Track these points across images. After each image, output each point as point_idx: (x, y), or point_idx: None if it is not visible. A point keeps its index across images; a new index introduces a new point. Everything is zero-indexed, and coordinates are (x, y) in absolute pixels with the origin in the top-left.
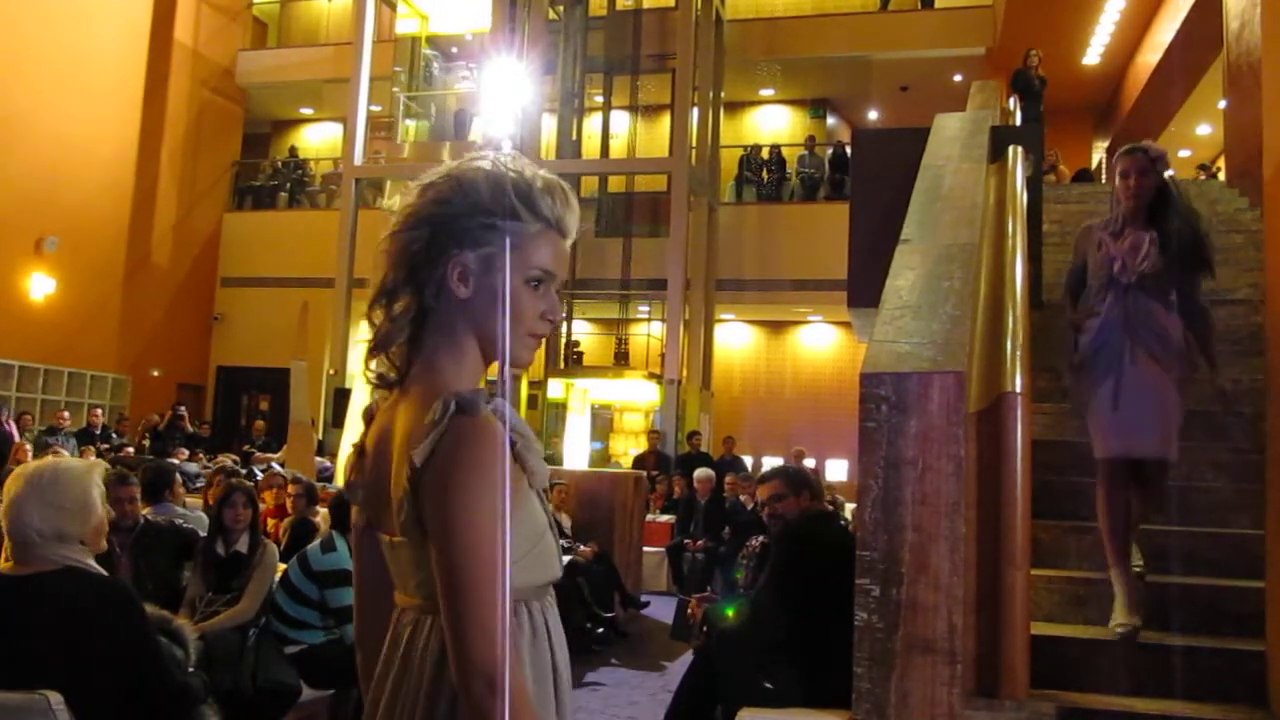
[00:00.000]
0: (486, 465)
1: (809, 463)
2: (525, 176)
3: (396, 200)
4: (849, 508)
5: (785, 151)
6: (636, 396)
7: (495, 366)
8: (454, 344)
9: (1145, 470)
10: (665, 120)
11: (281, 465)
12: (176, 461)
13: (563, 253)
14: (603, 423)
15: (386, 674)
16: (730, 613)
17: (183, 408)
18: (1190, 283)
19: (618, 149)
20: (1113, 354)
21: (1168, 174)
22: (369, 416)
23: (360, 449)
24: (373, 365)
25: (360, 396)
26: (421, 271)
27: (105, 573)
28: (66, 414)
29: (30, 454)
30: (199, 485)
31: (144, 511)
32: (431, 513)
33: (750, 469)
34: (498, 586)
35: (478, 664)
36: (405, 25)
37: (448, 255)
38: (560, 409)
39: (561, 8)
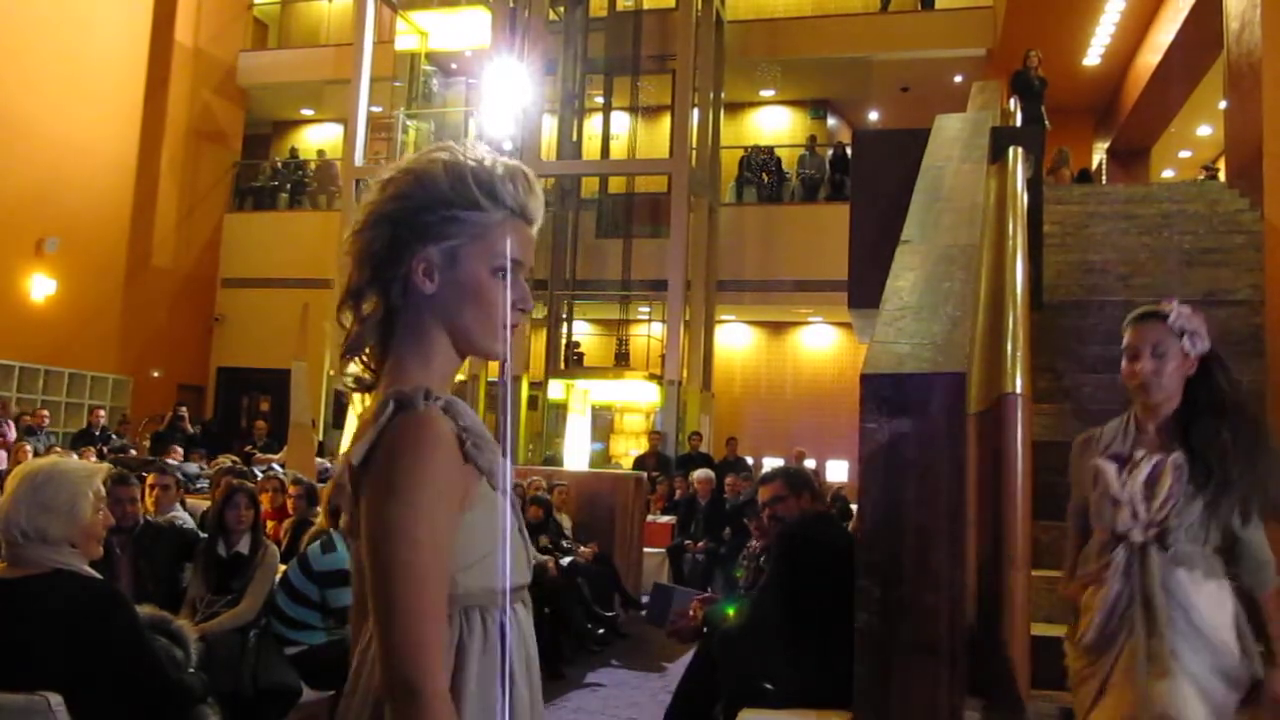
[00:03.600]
0: (419, 464)
1: (809, 464)
2: (485, 165)
3: (360, 198)
4: (855, 508)
5: (785, 152)
6: (637, 397)
7: (495, 365)
8: (421, 342)
9: None
10: (665, 121)
11: (282, 466)
12: (174, 462)
13: (529, 239)
14: (603, 424)
15: (355, 679)
16: (730, 613)
17: (183, 408)
18: (1247, 535)
19: (618, 150)
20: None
21: (1201, 349)
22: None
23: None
24: (349, 369)
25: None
26: (386, 270)
27: (97, 575)
28: (46, 413)
29: (30, 454)
30: (199, 486)
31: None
32: (364, 514)
33: (751, 470)
34: (425, 592)
35: (397, 670)
36: (404, 42)
37: (411, 251)
38: (561, 410)
39: (562, 9)
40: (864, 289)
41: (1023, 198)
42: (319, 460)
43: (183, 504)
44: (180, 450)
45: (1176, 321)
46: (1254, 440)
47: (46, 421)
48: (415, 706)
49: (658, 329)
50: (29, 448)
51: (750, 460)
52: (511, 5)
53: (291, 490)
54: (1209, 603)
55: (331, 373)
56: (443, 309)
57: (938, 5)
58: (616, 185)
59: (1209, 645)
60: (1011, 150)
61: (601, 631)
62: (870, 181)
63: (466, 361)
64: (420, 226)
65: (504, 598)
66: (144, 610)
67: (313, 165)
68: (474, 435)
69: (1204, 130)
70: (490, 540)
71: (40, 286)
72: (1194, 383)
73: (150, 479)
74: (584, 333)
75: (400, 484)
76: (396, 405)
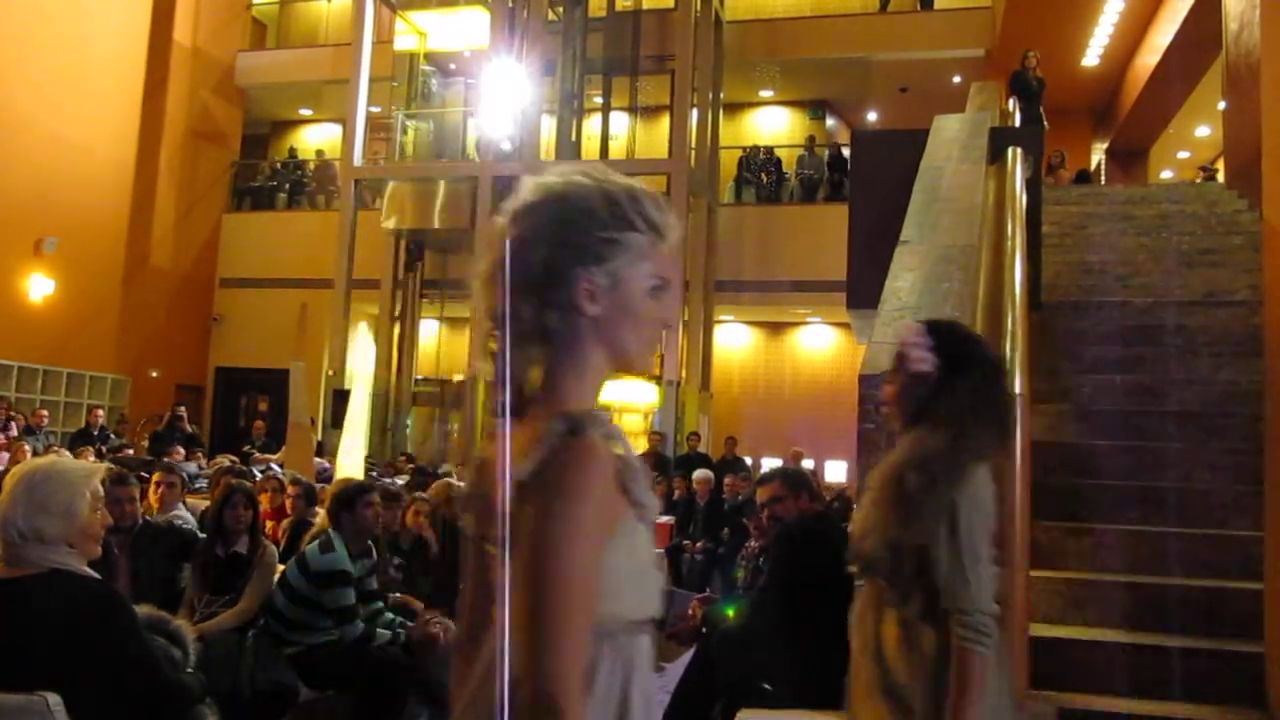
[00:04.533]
0: (586, 489)
1: (807, 464)
2: (628, 188)
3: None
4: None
5: (784, 152)
6: (635, 398)
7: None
8: (579, 362)
9: None
10: (664, 121)
11: (281, 466)
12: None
13: (671, 258)
14: None
15: (480, 683)
16: (730, 613)
17: (182, 408)
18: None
19: (617, 150)
20: None
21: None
22: (493, 432)
23: (481, 463)
24: (498, 394)
25: (359, 398)
26: (545, 293)
27: (95, 575)
28: (45, 413)
29: (29, 454)
30: (199, 486)
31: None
32: (524, 530)
33: (750, 470)
34: (578, 614)
35: (542, 687)
36: (403, 42)
37: (572, 274)
38: None
39: (561, 9)
40: (863, 289)
41: (1021, 198)
42: (317, 460)
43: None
44: (181, 450)
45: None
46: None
47: (45, 421)
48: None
49: None
50: (28, 447)
51: (749, 460)
52: (510, 5)
53: (290, 490)
54: None
55: (330, 372)
56: (604, 329)
57: (937, 6)
58: None
59: None
60: (1010, 151)
61: None
62: (869, 182)
63: (465, 362)
64: (580, 249)
65: (642, 629)
66: (142, 610)
67: (311, 165)
68: (629, 465)
69: (1203, 131)
70: (628, 570)
71: (39, 286)
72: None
73: (156, 476)
74: None
75: (565, 507)
76: (568, 428)
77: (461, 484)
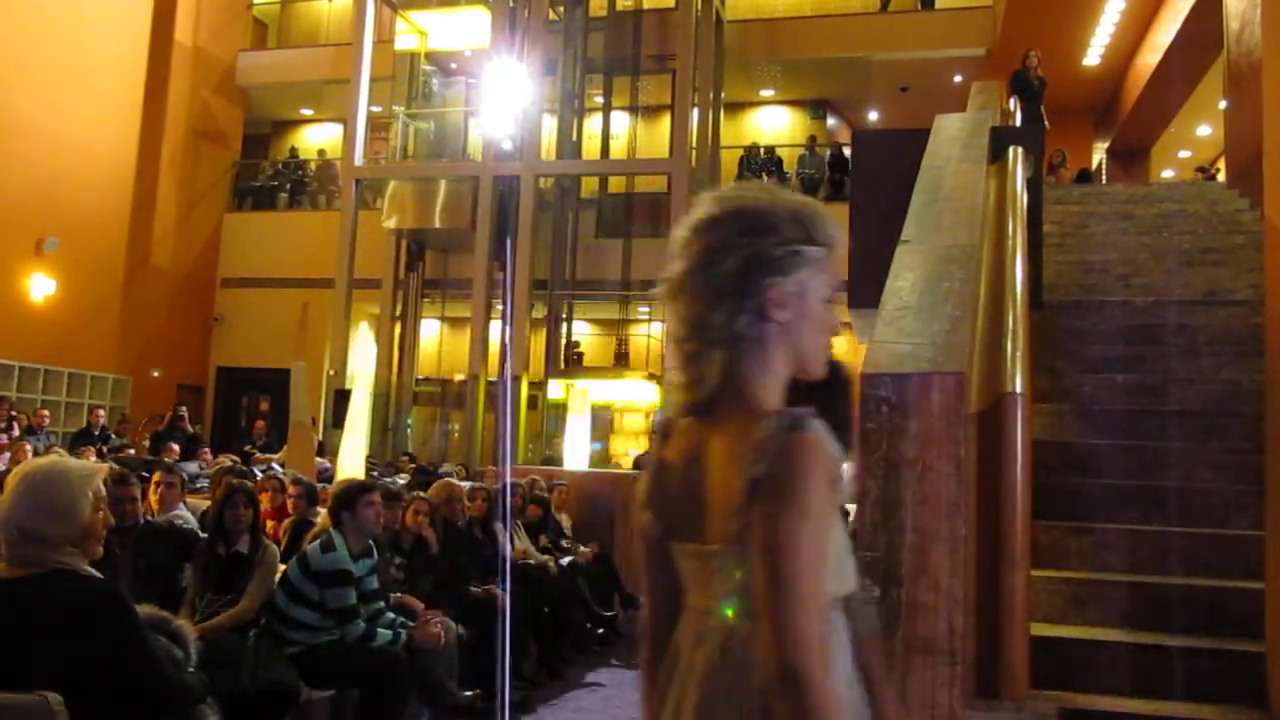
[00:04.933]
0: (815, 479)
1: None
2: (805, 204)
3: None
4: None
5: (785, 152)
6: (637, 397)
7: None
8: (766, 366)
9: None
10: (665, 121)
11: (282, 466)
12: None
13: (838, 269)
14: (603, 423)
15: (689, 671)
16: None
17: (183, 408)
18: None
19: (618, 150)
20: None
21: None
22: (664, 432)
23: (661, 464)
24: (681, 395)
25: (360, 398)
26: (735, 301)
27: (98, 575)
28: (46, 413)
29: (30, 453)
30: (199, 486)
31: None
32: (760, 523)
33: None
34: (818, 595)
35: (794, 664)
36: (404, 41)
37: (762, 284)
38: (560, 410)
39: (562, 9)
40: (863, 289)
41: (1022, 198)
42: (318, 460)
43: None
44: (176, 448)
45: None
46: None
47: (47, 421)
48: (813, 695)
49: (657, 329)
50: (29, 447)
51: None
52: (511, 5)
53: (291, 490)
54: None
55: (331, 372)
56: (790, 335)
57: (938, 5)
58: (616, 185)
59: None
60: (1011, 150)
61: (601, 631)
62: (870, 181)
63: (466, 362)
64: (770, 261)
65: (837, 604)
66: (143, 610)
67: (312, 165)
68: (834, 457)
69: (1204, 130)
70: (839, 549)
71: (40, 286)
72: None
73: (156, 476)
74: (584, 333)
75: (799, 497)
76: (790, 425)
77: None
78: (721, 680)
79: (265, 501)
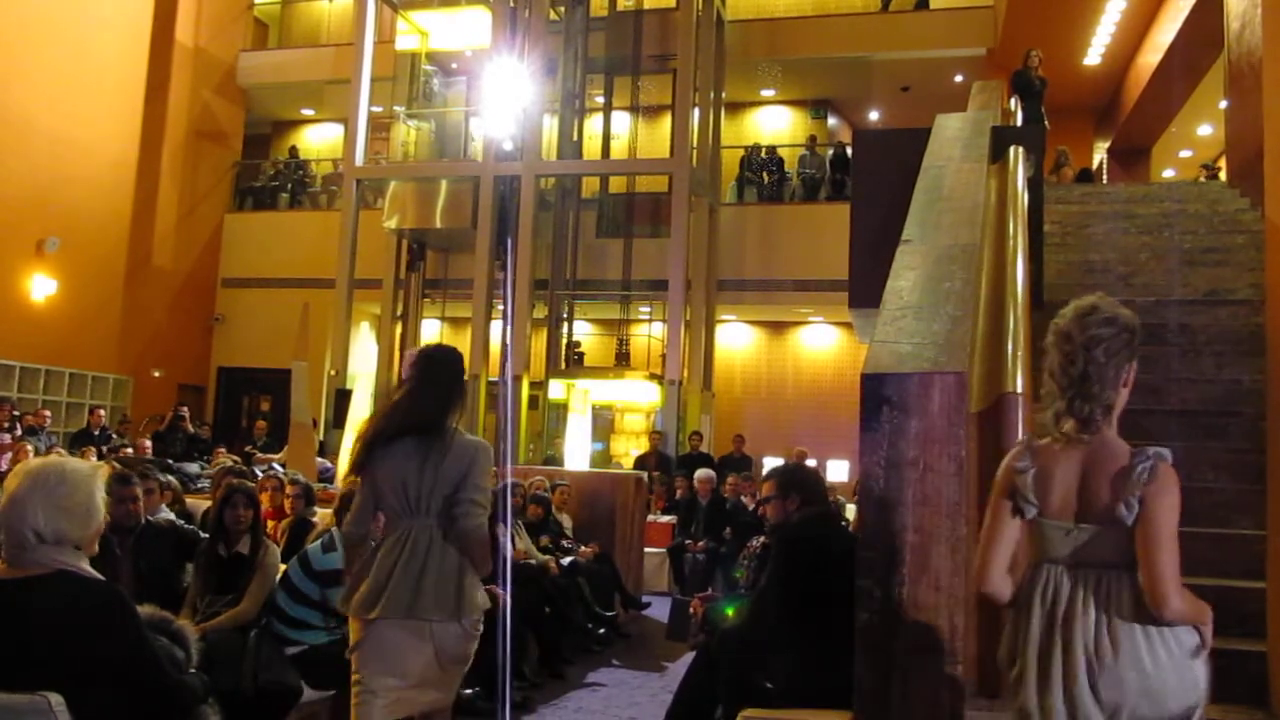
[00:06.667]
0: (1176, 491)
1: (810, 463)
2: (1133, 317)
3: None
4: (850, 509)
5: (786, 152)
6: (637, 397)
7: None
8: (1115, 412)
9: None
10: (666, 121)
11: (282, 466)
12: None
13: None
14: (604, 423)
15: (1054, 614)
16: (730, 613)
17: (184, 408)
18: None
19: (619, 150)
20: None
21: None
22: (1030, 448)
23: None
24: (1062, 427)
25: (361, 398)
26: (1117, 373)
27: (100, 576)
28: (48, 413)
29: (30, 453)
30: (199, 486)
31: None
32: (1145, 515)
33: (752, 469)
34: (1178, 557)
35: (1173, 598)
36: (405, 42)
37: (1128, 365)
38: (561, 410)
39: (562, 9)
40: (864, 288)
41: (1023, 197)
42: (319, 460)
43: (183, 504)
44: (148, 444)
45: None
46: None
47: (49, 421)
48: (1173, 611)
49: (658, 329)
50: (29, 448)
51: (751, 459)
52: (512, 5)
53: (289, 490)
54: None
55: (332, 372)
56: (1123, 399)
57: (940, 5)
58: (617, 185)
59: None
60: (1012, 150)
61: (602, 631)
62: (871, 181)
63: (467, 362)
64: (1133, 352)
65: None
66: (144, 610)
67: (316, 168)
68: None
69: (1205, 130)
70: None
71: (40, 286)
72: None
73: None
74: (584, 333)
75: (1171, 499)
76: (1159, 455)
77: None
78: (1111, 612)
79: (264, 501)
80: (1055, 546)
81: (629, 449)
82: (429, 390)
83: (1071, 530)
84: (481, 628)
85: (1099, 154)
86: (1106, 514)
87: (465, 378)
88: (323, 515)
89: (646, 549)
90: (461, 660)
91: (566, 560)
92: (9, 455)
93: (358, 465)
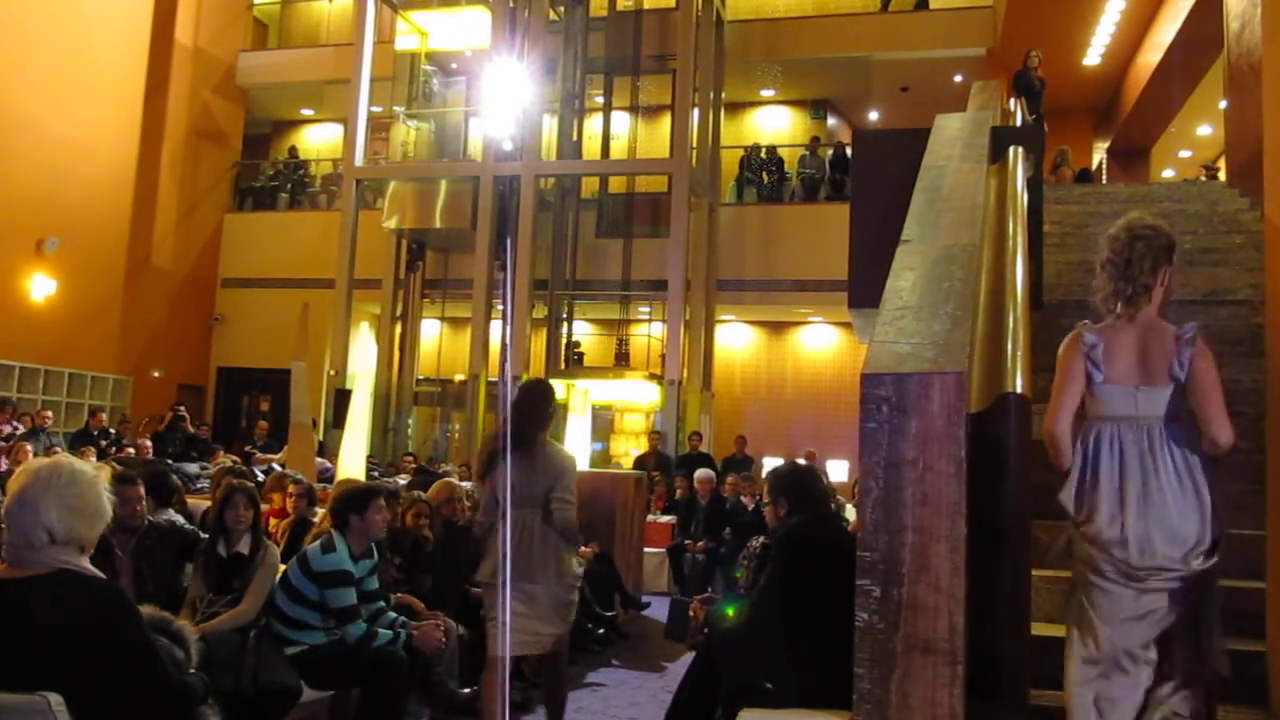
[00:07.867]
0: (1211, 355)
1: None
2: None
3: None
4: (849, 509)
5: (786, 152)
6: (637, 397)
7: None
8: (1153, 300)
9: None
10: (666, 121)
11: (282, 466)
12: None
13: None
14: (603, 423)
15: (1123, 458)
16: (730, 613)
17: (183, 408)
18: None
19: (618, 150)
20: None
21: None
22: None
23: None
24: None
25: (361, 398)
26: (1155, 265)
27: (101, 576)
28: (49, 413)
29: (30, 453)
30: (199, 486)
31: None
32: (1193, 374)
33: (752, 470)
34: (1223, 401)
35: (1224, 430)
36: (404, 42)
37: (1165, 266)
38: (561, 409)
39: (562, 9)
40: (864, 289)
41: (1023, 197)
42: (319, 460)
43: (183, 504)
44: (131, 450)
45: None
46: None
47: (49, 422)
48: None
49: (658, 329)
50: (29, 448)
51: (752, 460)
52: (511, 5)
53: (290, 490)
54: None
55: (331, 372)
56: (1164, 292)
57: (939, 5)
58: (617, 185)
59: None
60: (1012, 150)
61: (602, 631)
62: (870, 181)
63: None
64: (1169, 256)
65: None
66: (144, 610)
67: (315, 168)
68: None
69: (1204, 130)
70: None
71: (40, 286)
72: None
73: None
74: (584, 333)
75: (1211, 359)
76: (1197, 331)
77: None
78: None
79: (276, 501)
80: (1117, 406)
81: (629, 449)
82: (528, 416)
83: (1134, 391)
84: (579, 582)
85: (1098, 154)
86: (1163, 375)
87: (554, 403)
88: (322, 515)
89: (646, 549)
90: (566, 605)
91: None
92: (8, 456)
93: (481, 474)
